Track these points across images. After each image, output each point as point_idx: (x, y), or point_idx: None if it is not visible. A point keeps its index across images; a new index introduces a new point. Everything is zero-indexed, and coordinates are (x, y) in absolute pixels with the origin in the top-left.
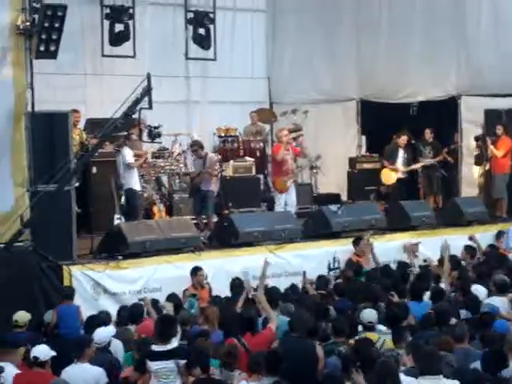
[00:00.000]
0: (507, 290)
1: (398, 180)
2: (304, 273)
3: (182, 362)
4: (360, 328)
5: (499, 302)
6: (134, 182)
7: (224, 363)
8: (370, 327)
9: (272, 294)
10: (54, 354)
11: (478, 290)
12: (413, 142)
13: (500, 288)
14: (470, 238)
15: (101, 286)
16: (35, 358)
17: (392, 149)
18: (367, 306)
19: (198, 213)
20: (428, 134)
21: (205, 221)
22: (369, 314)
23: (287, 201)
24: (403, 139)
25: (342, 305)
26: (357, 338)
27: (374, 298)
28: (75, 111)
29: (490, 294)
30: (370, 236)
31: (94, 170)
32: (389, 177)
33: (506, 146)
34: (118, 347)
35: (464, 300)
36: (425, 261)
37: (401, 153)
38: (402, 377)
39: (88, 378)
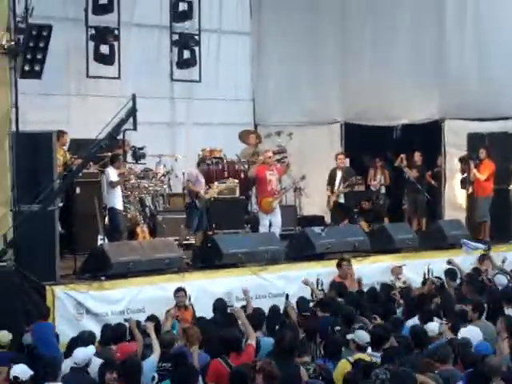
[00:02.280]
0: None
1: (338, 204)
2: (286, 296)
3: None
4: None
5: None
6: (116, 201)
7: None
8: (364, 348)
9: (255, 316)
10: (31, 373)
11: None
12: (395, 165)
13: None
14: (449, 262)
15: (84, 306)
16: (15, 377)
17: (332, 172)
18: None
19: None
20: (417, 157)
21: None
22: (364, 335)
23: (272, 221)
24: (340, 159)
25: (325, 324)
26: (350, 358)
27: (349, 320)
28: (64, 132)
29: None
30: (349, 259)
31: (78, 190)
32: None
33: (488, 169)
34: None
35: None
36: (404, 282)
37: (339, 175)
38: None
39: None
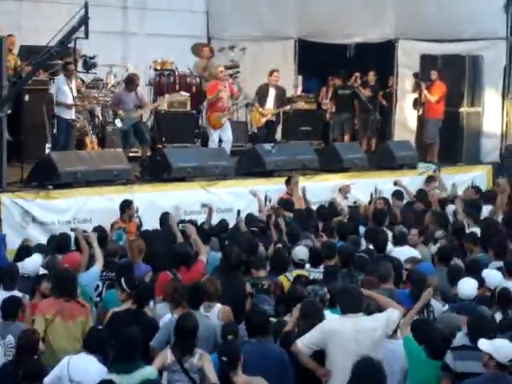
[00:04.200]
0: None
1: (267, 122)
2: (238, 211)
3: None
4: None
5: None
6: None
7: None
8: (301, 265)
9: (204, 230)
10: None
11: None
12: (348, 83)
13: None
14: (395, 183)
15: (30, 214)
16: None
17: (263, 89)
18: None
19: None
20: (371, 77)
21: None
22: (300, 252)
23: (222, 137)
24: (275, 76)
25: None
26: (288, 274)
27: (294, 237)
28: (10, 36)
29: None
30: (298, 177)
31: (27, 97)
32: (258, 121)
33: (440, 91)
34: None
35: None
36: (355, 202)
37: (271, 93)
38: (327, 314)
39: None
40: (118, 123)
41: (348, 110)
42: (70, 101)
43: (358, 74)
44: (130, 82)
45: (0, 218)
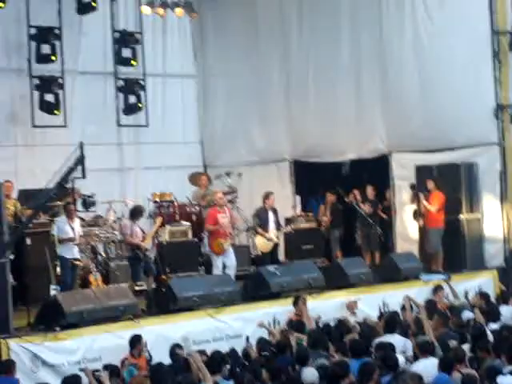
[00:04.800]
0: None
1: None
2: (247, 338)
3: None
4: None
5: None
6: (66, 250)
7: None
8: None
9: (214, 359)
10: None
11: None
12: (346, 200)
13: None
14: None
15: (39, 358)
16: None
17: (262, 213)
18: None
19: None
20: (370, 191)
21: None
22: (308, 374)
23: (226, 263)
24: (272, 199)
25: (283, 362)
26: None
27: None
28: (7, 181)
29: None
30: (305, 296)
31: (28, 241)
32: (265, 246)
33: (438, 200)
34: None
35: None
36: (365, 320)
37: (271, 216)
38: None
39: None
40: (141, 254)
41: (337, 227)
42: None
43: (356, 191)
44: (138, 212)
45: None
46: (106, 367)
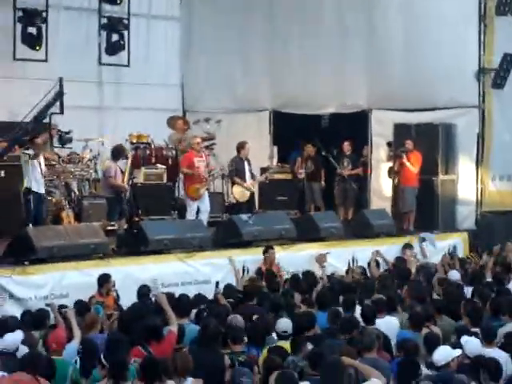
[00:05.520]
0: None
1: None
2: (217, 283)
3: None
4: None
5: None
6: (33, 183)
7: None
8: (284, 337)
9: (182, 302)
10: None
11: None
12: (323, 153)
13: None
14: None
15: (7, 290)
16: None
17: (237, 162)
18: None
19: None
20: (346, 147)
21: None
22: (283, 324)
23: (201, 208)
24: (248, 149)
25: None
26: (270, 346)
27: (277, 308)
28: None
29: None
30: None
31: (2, 173)
32: (242, 195)
33: (418, 160)
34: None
35: None
36: (333, 274)
37: (246, 166)
38: None
39: None
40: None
41: (318, 180)
42: (38, 175)
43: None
44: (120, 152)
45: None
46: (77, 303)
